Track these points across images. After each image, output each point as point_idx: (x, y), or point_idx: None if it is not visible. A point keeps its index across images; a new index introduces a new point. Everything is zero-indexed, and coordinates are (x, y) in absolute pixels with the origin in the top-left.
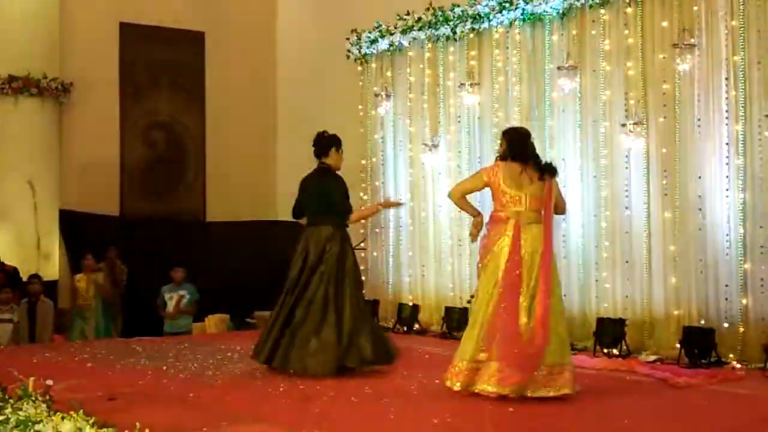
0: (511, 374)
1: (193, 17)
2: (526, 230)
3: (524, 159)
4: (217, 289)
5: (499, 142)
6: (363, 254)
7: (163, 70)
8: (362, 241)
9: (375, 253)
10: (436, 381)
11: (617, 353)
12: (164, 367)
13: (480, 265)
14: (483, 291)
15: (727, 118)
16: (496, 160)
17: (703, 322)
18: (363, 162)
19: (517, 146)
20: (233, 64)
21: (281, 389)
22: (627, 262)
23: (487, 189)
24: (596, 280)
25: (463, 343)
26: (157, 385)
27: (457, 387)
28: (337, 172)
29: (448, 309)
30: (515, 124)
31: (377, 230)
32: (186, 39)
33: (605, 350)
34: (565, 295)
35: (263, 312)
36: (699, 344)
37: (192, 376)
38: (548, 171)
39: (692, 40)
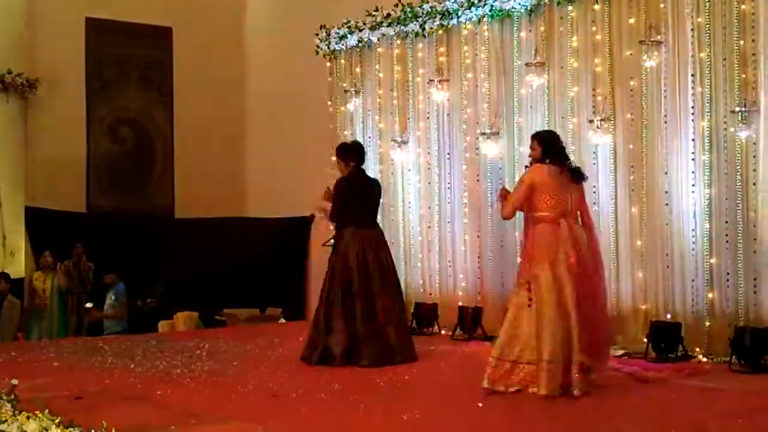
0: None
1: (160, 13)
2: (575, 231)
3: (561, 161)
4: (186, 286)
5: (531, 145)
6: (332, 251)
7: (130, 65)
8: (331, 238)
9: None
10: (406, 377)
11: None
12: (131, 366)
13: (534, 263)
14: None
15: (693, 114)
16: (531, 163)
17: (669, 316)
18: (333, 158)
19: (554, 149)
20: (202, 60)
21: (251, 387)
22: None
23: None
24: None
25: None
26: (124, 384)
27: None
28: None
29: (417, 305)
30: (484, 120)
31: None
32: (154, 34)
33: None
34: None
35: (233, 309)
36: (666, 338)
37: (159, 375)
38: (582, 176)
39: (659, 37)
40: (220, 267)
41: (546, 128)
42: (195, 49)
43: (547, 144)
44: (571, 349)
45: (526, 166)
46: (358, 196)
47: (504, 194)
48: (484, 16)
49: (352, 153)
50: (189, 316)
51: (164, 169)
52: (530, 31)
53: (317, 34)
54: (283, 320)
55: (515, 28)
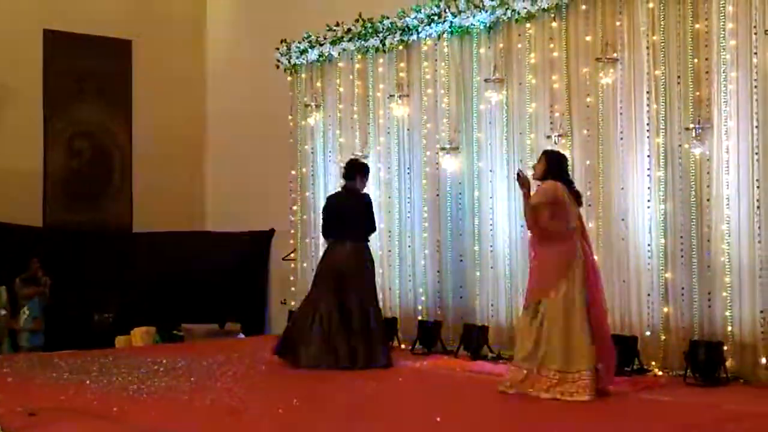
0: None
1: (120, 25)
2: (586, 249)
3: (567, 181)
4: (144, 301)
5: (539, 159)
6: (293, 264)
7: (89, 78)
8: (292, 252)
9: (304, 264)
10: (366, 391)
11: None
12: (87, 381)
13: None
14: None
15: (648, 131)
16: (535, 178)
17: (626, 330)
18: (293, 172)
19: (560, 168)
20: (162, 73)
21: (208, 402)
22: None
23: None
24: (523, 290)
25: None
26: (79, 400)
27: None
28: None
29: None
30: (444, 135)
31: (307, 240)
32: (113, 47)
33: None
34: (492, 305)
35: (191, 324)
36: (623, 352)
37: (116, 390)
38: (581, 198)
39: (615, 55)
40: (178, 282)
41: (499, 142)
42: (155, 62)
43: (554, 163)
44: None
45: (539, 184)
46: (334, 211)
47: (524, 180)
48: (443, 33)
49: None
50: (146, 331)
51: (122, 182)
52: (489, 47)
53: (278, 48)
54: (242, 335)
55: (474, 44)
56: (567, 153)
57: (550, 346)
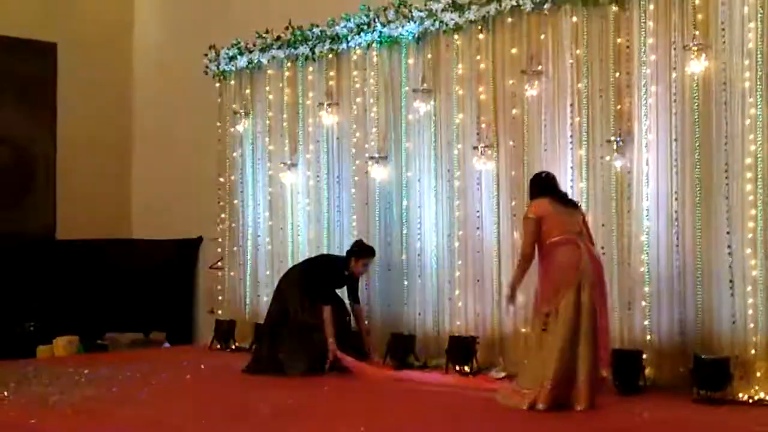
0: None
1: (44, 28)
2: (593, 252)
3: (553, 192)
4: (67, 310)
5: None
6: (220, 273)
7: (10, 82)
8: (219, 260)
9: (232, 273)
10: (289, 401)
11: (468, 370)
12: (5, 393)
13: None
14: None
15: (571, 143)
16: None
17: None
18: (221, 180)
19: (540, 187)
20: (87, 78)
21: (129, 413)
22: (478, 280)
23: None
24: (449, 299)
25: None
26: None
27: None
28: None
29: None
30: (373, 144)
31: (235, 249)
32: (36, 50)
33: (457, 367)
34: (420, 314)
35: (116, 333)
36: None
37: (35, 402)
38: (574, 203)
39: (539, 67)
40: (103, 290)
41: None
42: (81, 66)
43: (533, 186)
44: (576, 367)
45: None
46: None
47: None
48: (373, 42)
49: None
50: (69, 340)
51: (46, 189)
52: (418, 58)
53: (206, 54)
54: (167, 344)
55: (403, 54)
56: (493, 164)
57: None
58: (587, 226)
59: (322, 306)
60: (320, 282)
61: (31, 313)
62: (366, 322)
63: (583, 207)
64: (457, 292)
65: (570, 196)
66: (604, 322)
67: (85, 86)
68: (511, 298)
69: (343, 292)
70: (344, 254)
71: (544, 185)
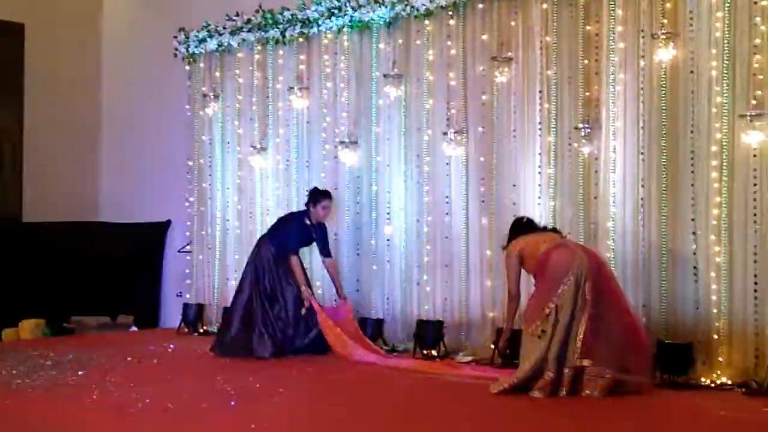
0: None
1: (12, 8)
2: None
3: (526, 231)
4: (34, 293)
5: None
6: (188, 257)
7: None
8: (188, 244)
9: (200, 256)
10: (257, 385)
11: (436, 354)
12: None
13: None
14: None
15: (540, 129)
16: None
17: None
18: (190, 163)
19: (517, 232)
20: (55, 59)
21: (94, 397)
22: (447, 265)
23: None
24: (417, 283)
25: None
26: None
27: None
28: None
29: None
30: (343, 129)
31: (203, 232)
32: (3, 31)
33: (425, 351)
34: (388, 298)
35: (82, 317)
36: (512, 346)
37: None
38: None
39: (509, 54)
40: (70, 273)
41: (397, 137)
42: (48, 47)
43: (513, 230)
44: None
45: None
46: None
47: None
48: (344, 26)
49: None
50: (35, 323)
51: (12, 171)
52: (388, 43)
53: (176, 37)
54: (134, 328)
55: (374, 39)
56: (462, 149)
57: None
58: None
59: (289, 258)
60: (286, 236)
61: None
62: (339, 274)
63: (551, 192)
64: (425, 277)
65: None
66: (624, 304)
67: (53, 67)
68: (505, 343)
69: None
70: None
71: (522, 228)
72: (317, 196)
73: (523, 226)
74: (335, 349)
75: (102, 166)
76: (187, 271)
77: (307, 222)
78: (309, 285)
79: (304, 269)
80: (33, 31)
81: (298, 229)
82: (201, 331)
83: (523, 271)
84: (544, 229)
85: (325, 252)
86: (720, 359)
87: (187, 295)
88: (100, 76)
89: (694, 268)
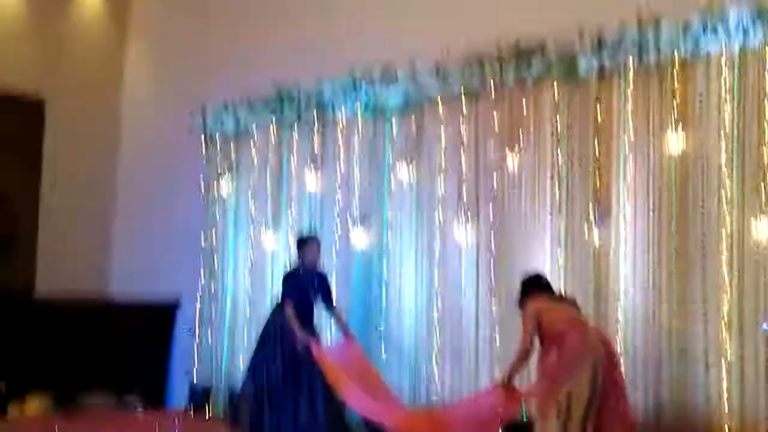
0: None
1: (32, 84)
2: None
3: (545, 290)
4: (41, 370)
5: None
6: (197, 338)
7: None
8: (190, 329)
9: (210, 337)
10: None
11: None
12: None
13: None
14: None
15: (551, 217)
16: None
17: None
18: (203, 241)
19: (534, 284)
20: (74, 134)
21: None
22: (456, 351)
23: None
24: (427, 370)
25: None
26: None
27: None
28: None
29: None
30: (356, 211)
31: (212, 310)
32: (24, 106)
33: None
34: (397, 385)
35: (89, 395)
36: None
37: None
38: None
39: (521, 140)
40: (78, 351)
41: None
42: (68, 123)
43: (527, 284)
44: None
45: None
46: None
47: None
48: (357, 108)
49: None
50: (41, 399)
51: (26, 247)
52: (402, 126)
53: (191, 114)
54: (140, 409)
55: (388, 122)
56: (473, 234)
57: None
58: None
59: (285, 306)
60: (284, 291)
61: (2, 372)
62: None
63: (562, 282)
64: (434, 364)
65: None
66: (623, 404)
67: (72, 142)
68: (509, 383)
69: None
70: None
71: (536, 284)
72: (303, 242)
73: (537, 283)
74: (338, 390)
75: (115, 241)
76: (196, 352)
77: (301, 271)
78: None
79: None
80: (53, 107)
81: (295, 279)
82: (208, 415)
83: None
84: (561, 297)
85: (329, 305)
86: None
87: (194, 379)
88: (118, 151)
89: (705, 361)
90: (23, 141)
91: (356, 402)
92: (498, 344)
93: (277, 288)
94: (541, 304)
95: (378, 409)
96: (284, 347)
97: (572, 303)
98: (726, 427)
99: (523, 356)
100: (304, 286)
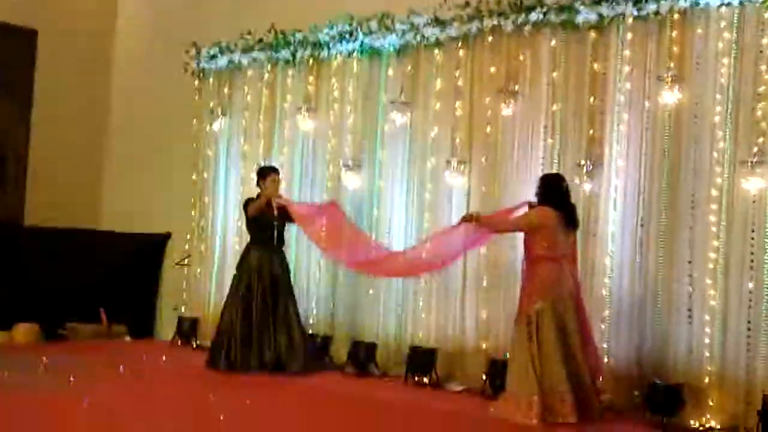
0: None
1: (26, 14)
2: (574, 272)
3: (561, 206)
4: (29, 298)
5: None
6: (186, 270)
7: None
8: (186, 257)
9: (199, 270)
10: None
11: (427, 381)
12: None
13: (535, 300)
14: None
15: (542, 164)
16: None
17: (507, 354)
18: (194, 177)
19: (554, 193)
20: (66, 67)
21: (85, 404)
22: (443, 293)
23: None
24: (413, 309)
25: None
26: None
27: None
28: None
29: None
30: (347, 151)
31: (203, 247)
32: (16, 36)
33: (416, 378)
34: (382, 323)
35: (77, 323)
36: (502, 376)
37: None
38: (574, 222)
39: (516, 87)
40: (67, 279)
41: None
42: (60, 54)
43: (546, 188)
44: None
45: (530, 204)
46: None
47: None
48: (354, 51)
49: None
50: (29, 327)
51: (16, 175)
52: (397, 70)
53: (187, 52)
54: (128, 338)
55: (383, 65)
56: (464, 179)
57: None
58: (575, 246)
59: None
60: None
61: None
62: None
63: None
64: (420, 303)
65: (573, 210)
66: (587, 333)
67: (64, 75)
68: (477, 221)
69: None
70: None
71: (558, 194)
72: (263, 171)
73: (559, 193)
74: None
75: (106, 174)
76: (185, 284)
77: (259, 198)
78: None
79: None
80: (46, 38)
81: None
82: (195, 345)
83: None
84: (572, 214)
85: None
86: (710, 403)
87: (182, 309)
88: (109, 86)
89: (689, 310)
90: (15, 72)
91: (321, 242)
92: (485, 286)
93: None
94: (550, 220)
95: (345, 251)
96: (257, 281)
97: (574, 228)
98: (706, 376)
99: (498, 228)
100: (265, 212)
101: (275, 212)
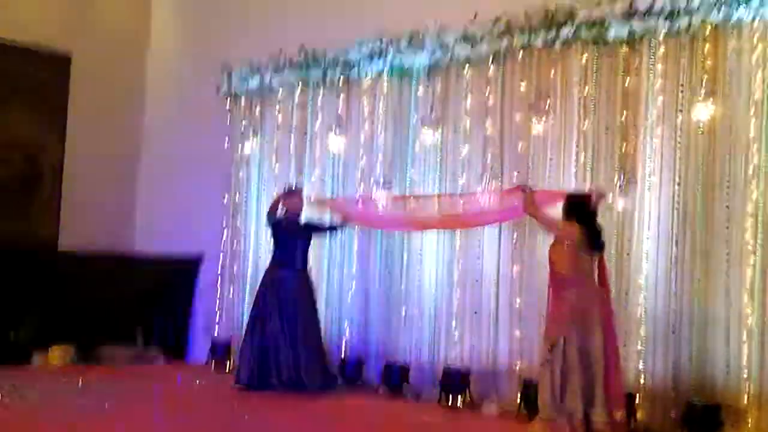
0: None
1: (60, 38)
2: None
3: (589, 226)
4: (65, 320)
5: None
6: (219, 292)
7: (23, 88)
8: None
9: (231, 293)
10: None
11: (461, 404)
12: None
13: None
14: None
15: (575, 181)
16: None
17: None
18: (225, 199)
19: (577, 211)
20: (100, 90)
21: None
22: (476, 312)
23: None
24: (446, 330)
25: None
26: None
27: None
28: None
29: None
30: (378, 170)
31: (234, 267)
32: (51, 60)
33: (449, 400)
34: (416, 344)
35: (111, 346)
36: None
37: (27, 410)
38: (599, 245)
39: (547, 104)
40: (101, 303)
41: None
42: (94, 78)
43: (570, 207)
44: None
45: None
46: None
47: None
48: (384, 71)
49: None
50: (65, 350)
51: (50, 199)
52: (428, 87)
53: (219, 74)
54: (162, 361)
55: (413, 84)
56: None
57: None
58: (604, 269)
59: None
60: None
61: (28, 322)
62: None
63: None
64: (453, 323)
65: (599, 232)
66: (612, 361)
67: (97, 98)
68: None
69: None
70: None
71: (585, 211)
72: (286, 195)
73: (585, 210)
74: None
75: (138, 196)
76: (218, 305)
77: (284, 217)
78: None
79: None
80: (80, 62)
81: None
82: (228, 368)
83: None
84: (598, 236)
85: (321, 229)
86: (748, 423)
87: (215, 333)
88: (142, 108)
89: (726, 329)
90: (50, 95)
91: (365, 218)
92: (518, 307)
93: None
94: (576, 237)
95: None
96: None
97: (600, 250)
98: (745, 395)
99: (536, 213)
100: (286, 231)
101: (300, 221)
